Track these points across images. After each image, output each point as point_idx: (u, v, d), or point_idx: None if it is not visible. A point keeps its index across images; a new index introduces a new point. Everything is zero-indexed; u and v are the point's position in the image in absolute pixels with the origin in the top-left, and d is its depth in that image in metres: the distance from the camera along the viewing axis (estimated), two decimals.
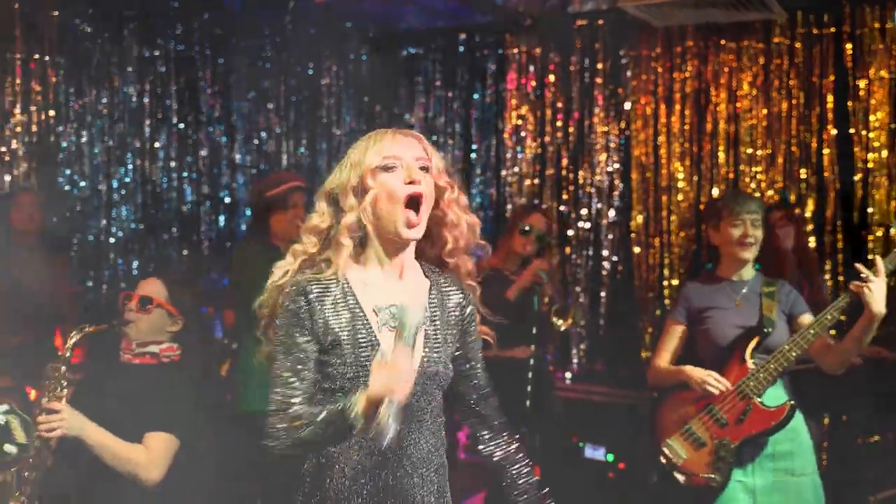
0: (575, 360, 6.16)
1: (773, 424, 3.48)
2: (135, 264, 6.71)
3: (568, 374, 5.96)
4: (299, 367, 2.07)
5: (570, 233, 6.33)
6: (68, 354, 2.94)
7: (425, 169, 2.13)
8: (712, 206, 3.84)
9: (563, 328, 4.59)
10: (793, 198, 5.67)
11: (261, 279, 3.57)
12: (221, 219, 7.22)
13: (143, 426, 2.95)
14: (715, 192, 5.86)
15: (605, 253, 6.25)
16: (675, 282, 6.00)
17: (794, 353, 3.47)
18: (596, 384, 5.70)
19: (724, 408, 3.53)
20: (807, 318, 3.63)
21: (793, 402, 3.51)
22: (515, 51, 6.51)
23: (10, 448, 1.64)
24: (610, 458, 5.46)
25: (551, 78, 6.39)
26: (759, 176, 5.80)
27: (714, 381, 3.51)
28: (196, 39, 6.94)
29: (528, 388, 4.58)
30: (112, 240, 6.56)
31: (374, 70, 7.03)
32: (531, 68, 6.47)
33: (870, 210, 5.51)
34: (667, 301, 5.93)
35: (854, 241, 5.54)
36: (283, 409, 2.04)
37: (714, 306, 3.66)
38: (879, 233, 5.48)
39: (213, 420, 3.26)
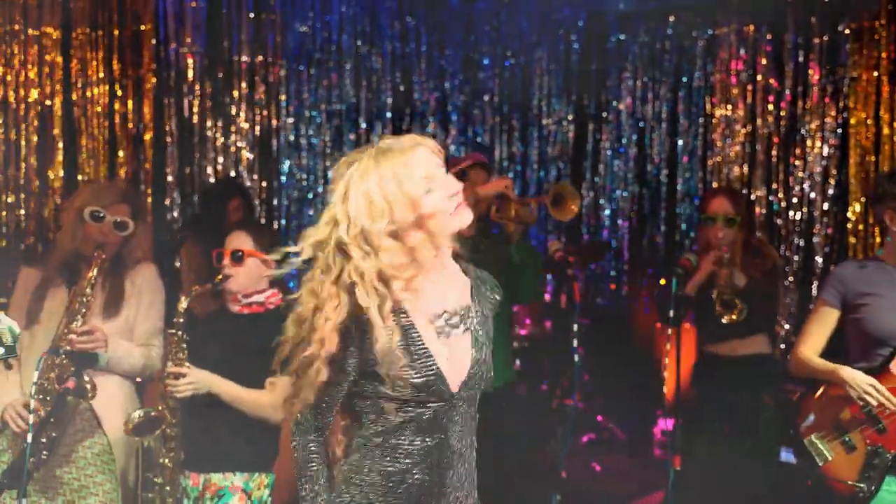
0: None
1: None
2: None
3: None
4: (338, 383, 2.12)
5: (780, 223, 5.94)
6: (181, 320, 3.19)
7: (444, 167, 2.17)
8: (887, 186, 3.38)
9: (725, 321, 4.23)
10: None
11: None
12: None
13: (262, 372, 3.09)
14: None
15: (817, 246, 5.81)
16: None
17: None
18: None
19: (886, 412, 3.19)
20: None
21: None
22: (725, 30, 6.23)
23: None
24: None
25: (763, 59, 6.04)
26: None
27: (876, 394, 3.18)
28: (412, 36, 7.27)
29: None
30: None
31: (583, 58, 7.01)
32: (741, 50, 6.15)
33: None
34: None
35: None
36: (311, 410, 2.13)
37: (875, 293, 3.29)
38: None
39: None
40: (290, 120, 6.82)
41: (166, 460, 3.19)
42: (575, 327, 3.89)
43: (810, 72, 5.85)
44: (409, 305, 2.14)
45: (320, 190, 7.03)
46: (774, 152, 6.02)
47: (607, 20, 6.86)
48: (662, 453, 6.25)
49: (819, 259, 5.80)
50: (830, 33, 5.77)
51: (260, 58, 6.54)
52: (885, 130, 5.57)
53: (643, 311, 6.85)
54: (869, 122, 5.64)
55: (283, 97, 6.74)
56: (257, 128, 6.57)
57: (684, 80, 6.50)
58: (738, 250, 4.20)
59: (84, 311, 3.19)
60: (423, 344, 2.12)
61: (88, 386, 3.09)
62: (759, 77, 6.09)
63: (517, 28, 7.29)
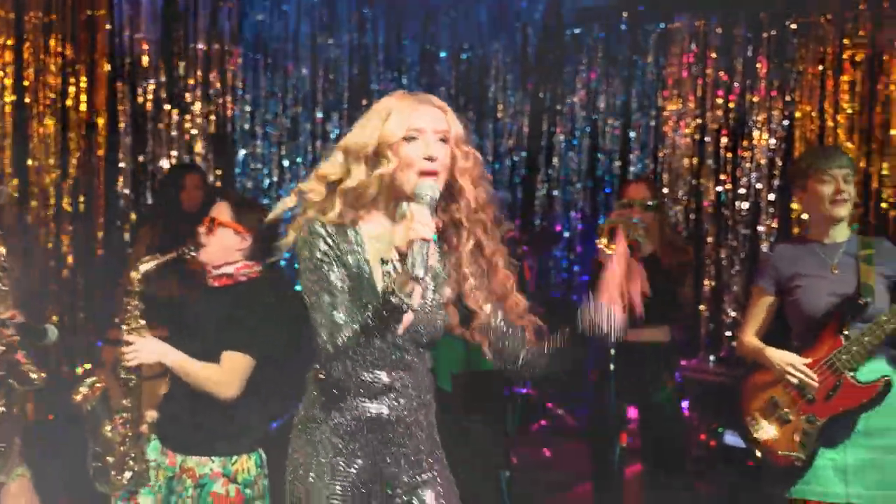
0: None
1: (864, 402, 3.25)
2: None
3: (711, 357, 5.76)
4: (335, 293, 2.19)
5: (727, 213, 6.11)
6: (137, 287, 3.12)
7: (444, 140, 2.24)
8: (796, 167, 3.53)
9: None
10: None
11: None
12: None
13: (222, 346, 3.09)
14: (885, 167, 5.46)
15: (763, 234, 5.98)
16: None
17: (891, 326, 3.21)
18: (739, 369, 5.47)
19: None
20: None
21: (888, 379, 3.25)
22: (678, 25, 6.37)
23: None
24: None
25: (713, 53, 6.20)
26: None
27: (794, 371, 3.31)
28: (370, 27, 7.34)
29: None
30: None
31: (539, 51, 7.13)
32: (693, 44, 6.30)
33: None
34: None
35: None
36: (327, 330, 2.17)
37: (805, 273, 3.41)
38: None
39: (293, 335, 3.33)
40: (247, 109, 6.86)
41: (112, 434, 3.12)
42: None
43: (758, 65, 6.01)
44: (368, 245, 2.26)
45: (276, 179, 7.08)
46: (723, 144, 6.17)
47: (563, 13, 6.98)
48: None
49: (765, 248, 5.96)
50: (778, 28, 5.93)
51: (216, 46, 6.57)
52: (829, 123, 5.75)
53: None
54: (814, 115, 5.82)
55: (239, 86, 6.78)
56: (212, 117, 6.60)
57: (637, 73, 6.63)
58: (654, 236, 4.36)
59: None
60: (374, 283, 2.23)
61: (34, 375, 3.10)
62: (708, 71, 6.24)
63: (474, 20, 7.39)
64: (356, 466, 2.29)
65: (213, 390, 3.08)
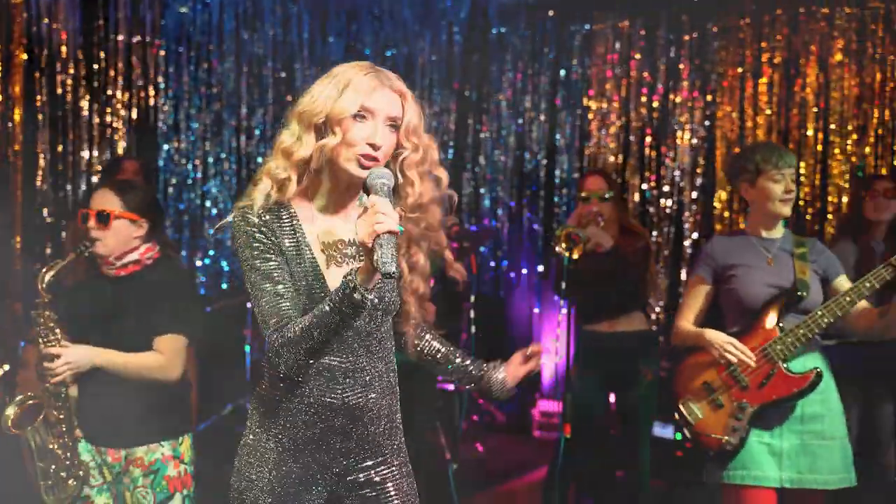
0: None
1: (796, 391, 3.37)
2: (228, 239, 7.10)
3: None
4: (279, 283, 2.13)
5: (652, 210, 6.25)
6: (47, 299, 3.03)
7: (394, 126, 2.17)
8: (746, 160, 3.59)
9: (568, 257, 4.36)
10: (884, 171, 5.41)
11: None
12: None
13: (150, 332, 3.07)
14: (802, 166, 5.66)
15: (686, 231, 6.14)
16: None
17: (825, 320, 3.34)
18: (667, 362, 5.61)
19: (748, 370, 3.44)
20: (843, 282, 3.50)
21: (819, 371, 3.38)
22: (603, 26, 6.50)
23: None
24: (678, 436, 5.37)
25: (637, 54, 6.34)
26: (849, 148, 5.57)
27: (734, 350, 3.42)
28: (294, 22, 7.27)
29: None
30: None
31: (465, 50, 7.17)
32: (617, 44, 6.43)
33: None
34: None
35: None
36: (278, 323, 2.10)
37: (742, 263, 3.53)
38: None
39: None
40: (170, 103, 6.72)
41: (55, 446, 3.04)
42: (472, 298, 3.99)
43: (681, 67, 6.17)
44: (306, 226, 2.19)
45: (199, 175, 6.95)
46: (647, 142, 6.31)
47: (489, 13, 7.04)
48: (542, 434, 6.47)
49: (687, 243, 6.13)
50: (700, 31, 6.10)
51: (138, 37, 6.42)
52: (749, 123, 5.95)
53: (520, 297, 7.07)
54: (734, 115, 6.01)
55: (160, 79, 6.64)
56: (135, 110, 6.44)
57: (562, 73, 6.73)
58: (614, 227, 4.47)
59: None
60: (317, 264, 2.17)
61: None
62: (633, 72, 6.38)
63: (399, 19, 7.40)
64: (308, 458, 2.24)
65: (157, 376, 3.06)
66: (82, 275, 3.29)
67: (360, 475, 2.29)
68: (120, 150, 6.31)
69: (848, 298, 3.33)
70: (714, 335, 3.48)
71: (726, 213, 6.02)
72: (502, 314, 7.01)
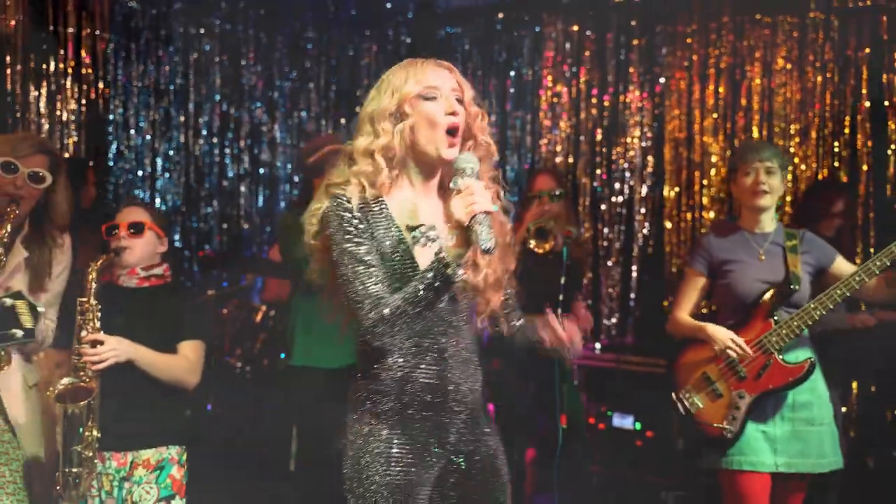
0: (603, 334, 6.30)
1: (791, 381, 3.57)
2: (176, 237, 6.97)
3: (598, 345, 6.08)
4: (371, 265, 2.24)
5: (603, 208, 6.46)
6: (93, 287, 3.11)
7: (459, 100, 2.33)
8: (731, 160, 3.89)
9: (541, 252, 4.51)
10: (824, 172, 5.75)
11: (286, 247, 3.81)
12: (260, 197, 7.45)
13: (171, 340, 3.24)
14: None
15: (637, 227, 6.36)
16: None
17: (818, 313, 3.53)
18: (625, 354, 5.82)
19: (745, 361, 3.62)
20: (841, 264, 3.70)
21: (813, 360, 3.59)
22: (552, 29, 6.65)
23: (16, 332, 1.71)
24: (638, 426, 5.58)
25: (587, 55, 6.53)
26: (792, 149, 5.88)
27: (735, 346, 3.60)
28: (240, 18, 7.18)
29: None
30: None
31: (412, 50, 7.21)
32: (567, 46, 6.60)
33: None
34: None
35: (886, 215, 5.59)
36: (373, 303, 2.21)
37: (736, 259, 3.71)
38: None
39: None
40: (120, 98, 6.56)
41: (93, 433, 3.04)
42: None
43: (631, 70, 6.38)
44: (395, 213, 2.31)
45: (149, 171, 6.81)
46: (598, 142, 6.50)
47: (438, 12, 7.10)
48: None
49: (640, 239, 6.37)
50: (649, 35, 6.33)
51: (87, 31, 6.23)
52: (696, 126, 6.22)
53: None
54: (682, 117, 6.26)
55: (108, 75, 6.46)
56: (83, 105, 6.26)
57: (512, 74, 6.86)
58: (563, 226, 4.60)
59: None
60: (408, 248, 2.29)
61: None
62: (583, 74, 6.56)
63: (345, 17, 7.38)
64: (413, 439, 2.32)
65: (182, 378, 3.23)
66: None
67: (469, 447, 2.40)
68: (70, 146, 6.12)
69: (839, 291, 3.54)
70: (715, 330, 3.65)
71: (675, 211, 6.27)
72: None
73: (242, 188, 7.34)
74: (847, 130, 5.76)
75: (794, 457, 3.60)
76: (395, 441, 2.30)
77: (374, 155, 2.28)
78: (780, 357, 3.60)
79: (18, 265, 3.09)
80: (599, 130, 6.51)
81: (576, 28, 6.59)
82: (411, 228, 2.30)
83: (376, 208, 2.30)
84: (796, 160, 5.86)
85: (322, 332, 4.30)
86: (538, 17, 6.73)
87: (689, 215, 6.23)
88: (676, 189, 6.27)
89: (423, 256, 2.27)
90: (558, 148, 6.65)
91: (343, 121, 7.54)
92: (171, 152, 6.93)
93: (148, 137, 6.79)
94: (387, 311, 2.19)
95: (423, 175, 2.35)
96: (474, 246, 2.11)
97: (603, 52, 6.48)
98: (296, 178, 7.32)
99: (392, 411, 2.31)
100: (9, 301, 1.69)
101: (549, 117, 6.69)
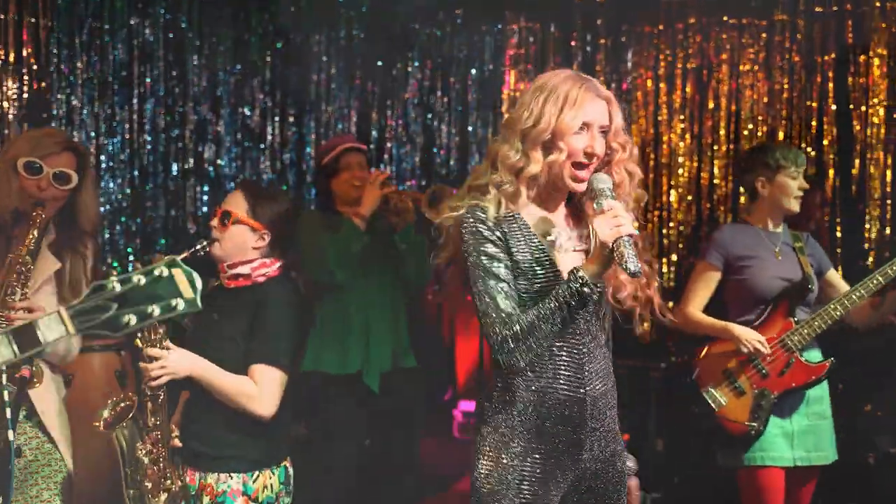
0: None
1: (814, 379, 3.66)
2: (120, 240, 6.65)
3: None
4: (505, 281, 2.29)
5: None
6: None
7: (604, 132, 2.37)
8: (766, 156, 3.81)
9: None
10: None
11: (323, 247, 3.52)
12: (205, 197, 7.16)
13: (247, 357, 2.87)
14: (716, 167, 6.05)
15: None
16: (673, 257, 6.18)
17: (838, 313, 3.63)
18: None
19: (767, 359, 3.66)
20: (833, 275, 3.85)
21: (833, 361, 3.67)
22: (515, 27, 6.61)
23: (176, 301, 1.51)
24: None
25: (550, 55, 6.51)
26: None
27: (762, 347, 3.63)
28: (184, 10, 6.90)
29: None
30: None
31: (367, 45, 7.06)
32: (531, 40, 6.56)
33: (867, 185, 5.75)
34: (666, 276, 6.08)
35: (852, 215, 5.76)
36: (505, 319, 2.25)
37: (754, 255, 3.75)
38: (876, 211, 5.72)
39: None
40: (65, 91, 6.21)
41: (142, 453, 2.79)
42: None
43: (597, 69, 6.40)
44: (532, 224, 2.39)
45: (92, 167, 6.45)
46: None
47: (394, 7, 6.96)
48: (462, 434, 6.51)
49: None
50: (614, 35, 6.36)
51: (31, 19, 5.87)
52: (662, 127, 6.28)
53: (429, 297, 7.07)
54: (648, 118, 6.32)
55: (51, 66, 6.11)
56: (25, 95, 5.89)
57: (473, 72, 6.79)
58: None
59: (24, 281, 2.73)
60: (548, 254, 2.36)
61: (34, 370, 2.67)
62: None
63: (293, 6, 7.16)
64: (546, 454, 2.33)
65: (248, 406, 2.84)
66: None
67: (598, 465, 2.41)
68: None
69: (858, 293, 3.63)
70: (743, 331, 3.66)
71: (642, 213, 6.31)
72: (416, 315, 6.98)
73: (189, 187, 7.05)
74: (814, 132, 5.91)
75: (810, 450, 3.71)
76: (529, 457, 2.31)
77: (520, 177, 2.34)
78: (804, 357, 3.66)
79: (49, 277, 2.85)
80: None
81: (538, 26, 6.56)
82: (545, 234, 2.37)
83: (512, 221, 2.36)
84: None
85: (332, 336, 4.18)
86: (500, 15, 6.68)
87: (656, 216, 6.28)
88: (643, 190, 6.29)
89: (562, 263, 2.36)
90: None
91: (291, 119, 7.32)
92: (114, 151, 6.60)
93: (92, 133, 6.44)
94: (518, 327, 2.24)
95: (550, 190, 2.42)
96: (615, 265, 2.20)
97: (567, 51, 6.47)
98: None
99: (527, 425, 2.33)
100: (164, 270, 1.50)
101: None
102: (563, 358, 2.35)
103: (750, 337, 3.64)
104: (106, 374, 4.31)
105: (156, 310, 1.67)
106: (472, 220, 2.32)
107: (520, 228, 2.36)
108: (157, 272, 1.68)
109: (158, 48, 6.76)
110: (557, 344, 2.33)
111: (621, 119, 2.42)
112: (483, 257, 2.29)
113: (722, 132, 6.11)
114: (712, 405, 3.71)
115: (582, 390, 2.35)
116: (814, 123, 5.93)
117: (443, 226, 2.43)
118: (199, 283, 1.69)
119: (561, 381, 2.34)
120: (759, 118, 6.04)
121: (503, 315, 2.25)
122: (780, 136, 5.98)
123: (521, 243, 2.34)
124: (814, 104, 5.93)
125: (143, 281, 1.67)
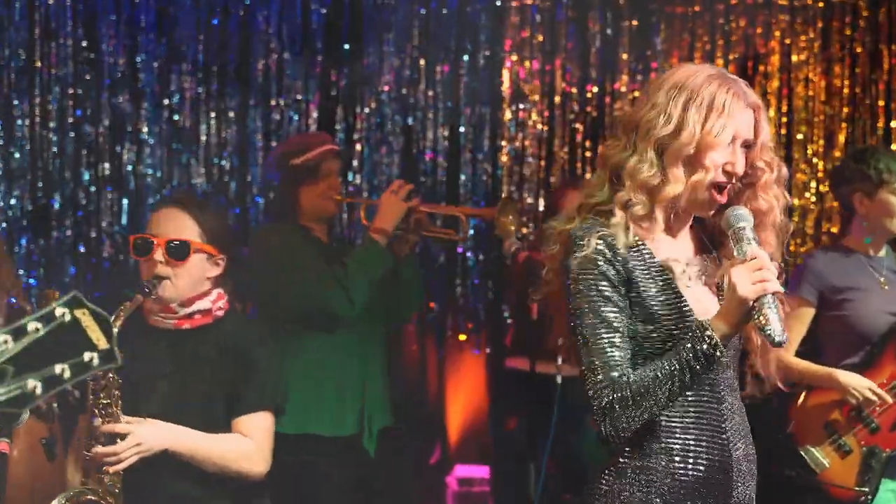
0: None
1: None
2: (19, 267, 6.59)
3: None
4: (616, 331, 2.32)
5: None
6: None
7: (747, 146, 2.41)
8: (866, 167, 3.91)
9: None
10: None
11: (289, 271, 3.57)
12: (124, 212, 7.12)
13: (231, 407, 2.95)
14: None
15: None
16: None
17: None
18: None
19: (877, 411, 3.81)
20: None
21: None
22: (517, 3, 6.70)
23: (90, 356, 1.42)
24: None
25: (562, 38, 6.63)
26: (808, 152, 6.19)
27: (874, 396, 3.78)
28: None
29: None
30: None
31: (330, 22, 7.08)
32: (537, 19, 6.65)
33: None
34: None
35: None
36: (612, 377, 2.29)
37: (854, 286, 3.90)
38: None
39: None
40: None
41: None
42: None
43: (623, 56, 6.54)
44: (658, 256, 2.44)
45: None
46: (579, 135, 6.63)
47: None
48: None
49: None
50: (640, 16, 6.52)
51: None
52: None
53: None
54: None
55: None
56: None
57: (465, 58, 6.87)
58: None
59: None
60: (681, 293, 2.41)
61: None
62: (558, 60, 6.67)
63: None
64: None
65: (244, 467, 2.93)
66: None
67: None
68: None
69: None
70: (850, 378, 3.79)
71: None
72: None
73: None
74: (881, 135, 6.15)
75: None
76: None
77: (656, 199, 2.37)
78: None
79: None
80: (580, 129, 6.64)
81: (548, 4, 6.66)
82: (668, 269, 2.41)
83: (638, 254, 2.39)
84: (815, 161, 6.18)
85: (321, 386, 4.17)
86: None
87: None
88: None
89: (689, 296, 2.42)
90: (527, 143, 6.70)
91: (232, 114, 7.30)
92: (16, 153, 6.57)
93: None
94: (627, 391, 2.27)
95: (683, 217, 2.47)
96: (756, 327, 2.26)
97: (584, 34, 6.59)
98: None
99: (667, 495, 2.36)
100: (66, 314, 1.34)
101: (513, 113, 6.72)
102: (700, 415, 2.40)
103: (860, 385, 3.78)
104: (28, 442, 4.25)
105: (66, 371, 1.47)
106: (595, 250, 2.33)
107: (645, 262, 2.39)
108: (57, 315, 1.48)
109: (66, 22, 6.73)
110: (692, 400, 2.38)
111: (769, 132, 2.47)
112: (596, 297, 2.32)
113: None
114: (814, 468, 3.84)
115: (725, 454, 2.40)
116: (880, 125, 6.15)
117: (549, 254, 2.46)
118: (113, 328, 1.55)
119: (703, 444, 2.39)
120: (815, 119, 6.24)
121: (613, 376, 2.30)
122: (841, 139, 6.19)
123: (648, 282, 2.37)
124: (880, 102, 6.14)
125: (41, 330, 1.46)
